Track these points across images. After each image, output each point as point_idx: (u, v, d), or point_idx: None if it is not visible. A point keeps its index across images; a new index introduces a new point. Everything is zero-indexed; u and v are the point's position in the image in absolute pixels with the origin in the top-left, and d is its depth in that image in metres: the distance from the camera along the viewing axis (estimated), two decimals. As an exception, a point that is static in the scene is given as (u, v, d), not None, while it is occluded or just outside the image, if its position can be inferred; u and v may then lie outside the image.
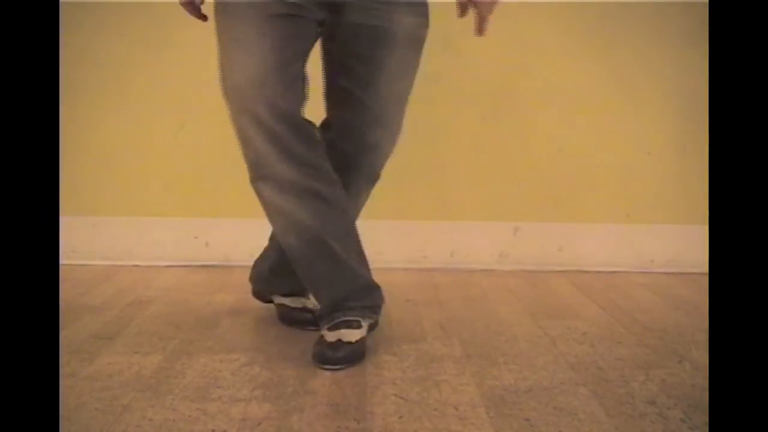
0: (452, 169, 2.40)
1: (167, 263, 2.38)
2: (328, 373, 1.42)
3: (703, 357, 1.54)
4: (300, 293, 1.75)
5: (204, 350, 1.55)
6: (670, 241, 2.41)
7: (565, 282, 2.23)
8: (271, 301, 1.83)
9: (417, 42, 1.55)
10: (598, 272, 1.95)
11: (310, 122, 1.50)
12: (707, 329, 1.31)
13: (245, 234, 2.43)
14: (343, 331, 1.49)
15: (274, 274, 1.76)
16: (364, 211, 2.46)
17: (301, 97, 1.47)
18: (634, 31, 2.37)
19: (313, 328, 1.64)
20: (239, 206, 2.43)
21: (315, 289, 1.56)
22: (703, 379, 1.41)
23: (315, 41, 1.52)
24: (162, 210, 2.42)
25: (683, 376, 1.43)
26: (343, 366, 1.45)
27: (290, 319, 1.74)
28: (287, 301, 1.77)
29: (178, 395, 1.30)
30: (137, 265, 2.37)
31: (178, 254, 2.42)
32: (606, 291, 1.74)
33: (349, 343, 1.47)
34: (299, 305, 1.74)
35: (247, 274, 1.87)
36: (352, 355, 1.47)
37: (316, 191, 1.47)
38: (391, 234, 2.37)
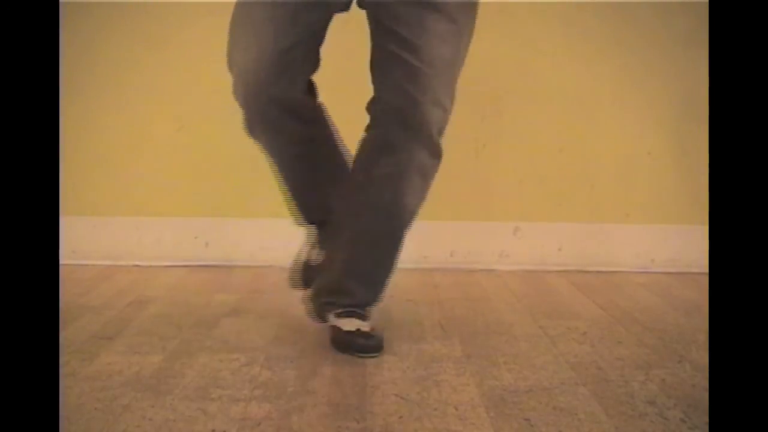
0: (452, 169, 2.39)
1: (167, 263, 2.38)
2: (328, 373, 1.42)
3: (703, 357, 1.54)
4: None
5: (204, 350, 1.55)
6: (670, 241, 2.41)
7: (565, 282, 2.23)
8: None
9: (467, 7, 1.52)
10: (598, 272, 1.96)
11: (306, 98, 1.59)
12: (707, 329, 1.31)
13: (245, 234, 2.43)
14: (356, 320, 1.55)
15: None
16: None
17: (300, 78, 1.54)
18: (634, 31, 2.37)
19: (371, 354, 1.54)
20: (239, 206, 2.44)
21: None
22: (703, 379, 1.41)
23: (328, 22, 1.54)
24: (162, 210, 2.42)
25: (683, 376, 1.43)
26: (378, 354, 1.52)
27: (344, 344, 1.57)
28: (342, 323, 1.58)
29: (178, 395, 1.30)
30: (137, 265, 2.37)
31: (178, 254, 2.42)
32: (606, 291, 1.74)
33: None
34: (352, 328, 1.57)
35: (247, 273, 1.87)
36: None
37: (302, 154, 1.61)
38: (391, 234, 2.37)
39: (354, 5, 1.55)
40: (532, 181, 2.42)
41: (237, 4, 1.52)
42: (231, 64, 1.53)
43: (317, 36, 1.54)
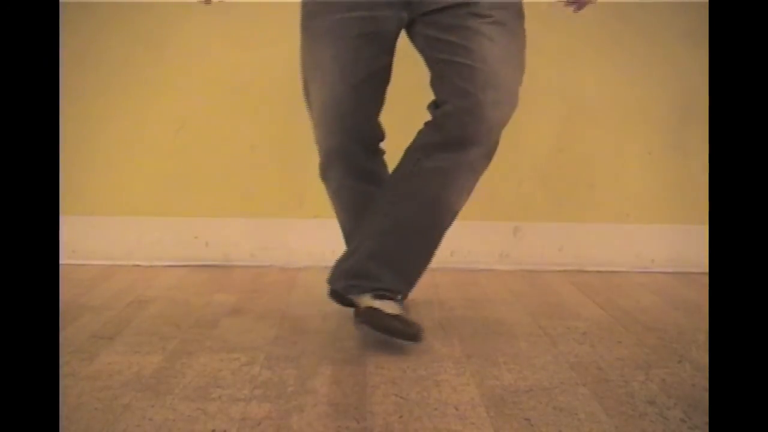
0: (452, 169, 2.40)
1: (167, 263, 2.38)
2: (328, 373, 1.42)
3: (703, 357, 1.54)
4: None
5: (204, 350, 1.55)
6: (670, 241, 2.41)
7: (565, 282, 2.23)
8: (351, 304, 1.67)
9: (512, 10, 1.54)
10: (598, 272, 1.95)
11: (377, 132, 1.68)
12: (707, 329, 1.31)
13: (245, 234, 2.43)
14: (394, 304, 1.57)
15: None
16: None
17: (374, 113, 1.65)
18: (634, 31, 2.37)
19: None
20: (239, 206, 2.44)
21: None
22: (703, 379, 1.41)
23: (390, 57, 1.60)
24: (162, 210, 2.42)
25: (683, 376, 1.43)
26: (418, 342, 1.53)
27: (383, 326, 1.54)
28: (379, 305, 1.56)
29: (178, 395, 1.30)
30: (137, 265, 2.37)
31: (178, 254, 2.42)
32: (606, 291, 1.74)
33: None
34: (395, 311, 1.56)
35: (247, 273, 1.87)
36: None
37: (365, 191, 1.68)
38: (391, 234, 2.37)
39: (403, 35, 1.62)
40: (532, 181, 2.42)
41: (303, 48, 1.64)
42: (310, 106, 1.65)
43: (384, 73, 1.60)
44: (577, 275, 2.30)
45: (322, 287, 1.76)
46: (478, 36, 1.50)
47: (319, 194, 2.47)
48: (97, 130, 2.40)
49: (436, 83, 1.57)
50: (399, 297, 1.62)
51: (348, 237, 1.76)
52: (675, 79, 2.38)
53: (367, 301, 1.57)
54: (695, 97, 2.33)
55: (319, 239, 2.41)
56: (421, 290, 1.80)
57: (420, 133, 1.60)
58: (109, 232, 2.42)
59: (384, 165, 1.73)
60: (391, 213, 1.59)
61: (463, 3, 1.50)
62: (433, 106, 1.59)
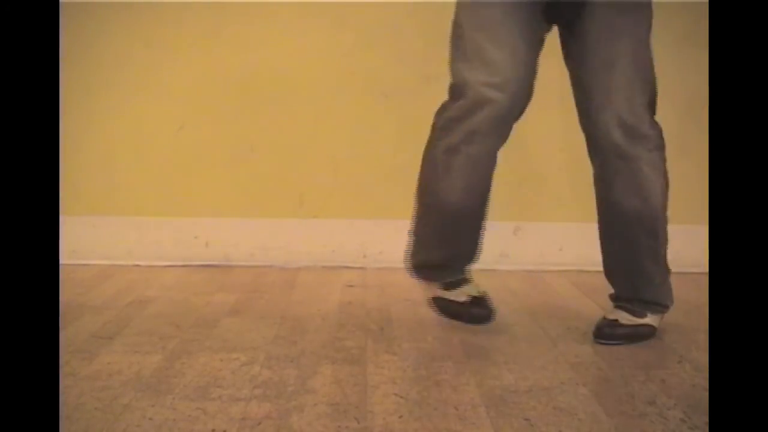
0: (452, 169, 2.40)
1: (167, 263, 2.38)
2: (328, 373, 1.42)
3: (703, 357, 1.54)
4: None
5: (204, 350, 1.55)
6: (670, 241, 2.41)
7: (565, 282, 2.23)
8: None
9: (630, 6, 1.53)
10: (598, 272, 1.95)
11: None
12: (707, 329, 1.31)
13: (245, 234, 2.43)
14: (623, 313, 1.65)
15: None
16: (365, 211, 2.46)
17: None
18: (634, 31, 2.37)
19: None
20: (239, 206, 2.44)
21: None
22: (703, 379, 1.41)
23: (539, 50, 1.64)
24: (162, 210, 2.42)
25: (683, 376, 1.43)
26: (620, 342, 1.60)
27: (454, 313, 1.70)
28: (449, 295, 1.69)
29: (178, 395, 1.30)
30: (137, 265, 2.37)
31: (178, 254, 2.42)
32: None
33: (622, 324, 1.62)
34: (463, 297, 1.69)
35: (247, 273, 1.87)
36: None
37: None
38: (392, 233, 2.37)
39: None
40: (532, 181, 2.42)
41: (459, 38, 1.57)
42: (466, 88, 1.55)
43: (535, 67, 1.61)
44: (577, 275, 2.30)
45: (322, 287, 1.76)
46: (586, 42, 1.58)
47: (319, 194, 2.48)
48: (97, 130, 2.40)
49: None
50: (464, 272, 1.72)
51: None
52: (675, 79, 2.37)
53: (439, 293, 1.70)
54: (695, 97, 2.33)
55: (319, 239, 2.42)
56: (421, 290, 1.80)
57: None
58: (109, 232, 2.42)
59: None
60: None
61: None
62: None
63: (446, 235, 1.64)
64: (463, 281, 1.69)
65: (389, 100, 2.39)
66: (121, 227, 2.42)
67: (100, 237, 2.42)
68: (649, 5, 1.55)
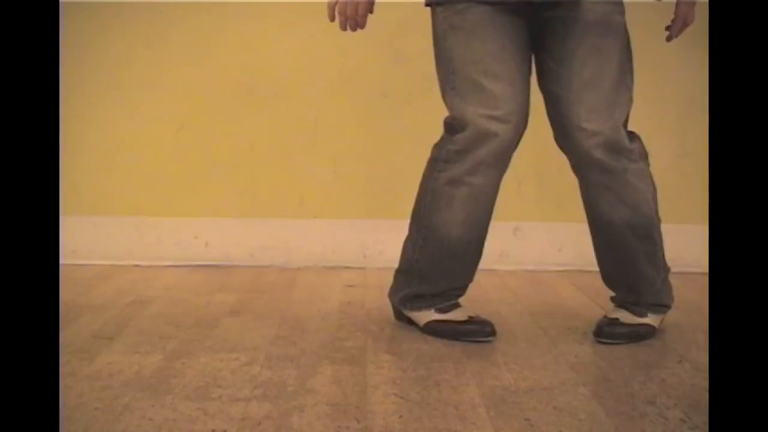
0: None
1: (167, 263, 2.38)
2: (328, 373, 1.42)
3: (703, 357, 1.54)
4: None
5: (204, 350, 1.55)
6: (669, 241, 2.40)
7: (565, 282, 2.23)
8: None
9: (611, 28, 1.56)
10: (598, 272, 1.95)
11: None
12: (707, 329, 1.31)
13: (245, 234, 2.44)
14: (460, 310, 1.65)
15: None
16: (365, 211, 2.46)
17: None
18: (634, 31, 2.37)
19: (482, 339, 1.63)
20: (239, 206, 2.44)
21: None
22: (703, 379, 1.41)
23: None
24: (162, 210, 2.42)
25: (683, 376, 1.43)
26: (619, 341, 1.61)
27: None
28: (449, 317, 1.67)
29: (178, 395, 1.30)
30: (137, 265, 2.37)
31: (178, 254, 2.42)
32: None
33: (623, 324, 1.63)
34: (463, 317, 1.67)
35: (247, 273, 1.87)
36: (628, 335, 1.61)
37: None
38: (392, 233, 2.37)
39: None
40: (532, 181, 2.42)
41: (456, 64, 1.55)
42: (466, 122, 1.55)
43: (529, 92, 1.60)
44: (577, 275, 2.30)
45: (322, 287, 1.76)
46: (569, 62, 1.56)
47: (319, 194, 2.48)
48: (97, 130, 2.40)
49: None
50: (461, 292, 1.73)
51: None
52: (675, 79, 2.37)
53: (435, 316, 1.68)
54: (695, 97, 2.32)
55: (319, 239, 2.42)
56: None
57: None
58: (109, 232, 2.42)
59: None
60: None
61: None
62: None
63: (444, 267, 1.64)
64: (455, 306, 1.68)
65: (389, 100, 2.39)
66: (121, 227, 2.42)
67: (100, 237, 2.42)
68: (625, 29, 1.62)
